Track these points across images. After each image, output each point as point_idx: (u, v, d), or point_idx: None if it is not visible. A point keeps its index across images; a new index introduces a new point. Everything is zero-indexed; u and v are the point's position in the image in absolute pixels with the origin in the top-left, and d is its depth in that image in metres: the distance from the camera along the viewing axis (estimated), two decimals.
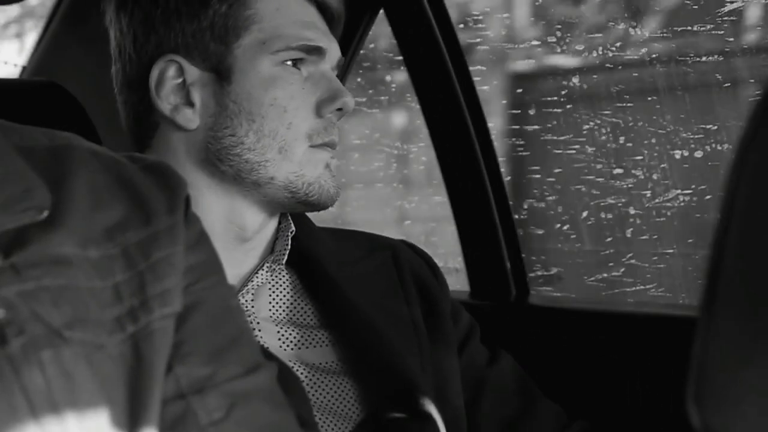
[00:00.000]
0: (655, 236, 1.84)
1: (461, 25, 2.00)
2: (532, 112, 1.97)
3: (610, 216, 1.88)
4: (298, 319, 1.07)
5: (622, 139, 1.82)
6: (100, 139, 1.17)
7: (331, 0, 1.09)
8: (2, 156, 0.73)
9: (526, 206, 2.00)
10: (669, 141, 1.75)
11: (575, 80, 1.84)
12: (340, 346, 1.06)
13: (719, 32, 1.67)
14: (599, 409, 1.27)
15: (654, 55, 1.75)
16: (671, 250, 1.87)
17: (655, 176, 1.79)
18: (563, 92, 1.85)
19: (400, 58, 1.54)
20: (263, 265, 1.07)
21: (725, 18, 1.66)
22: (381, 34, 1.99)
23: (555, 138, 1.86)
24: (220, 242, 1.01)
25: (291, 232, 1.09)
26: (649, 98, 1.79)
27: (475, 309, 1.24)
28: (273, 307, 1.07)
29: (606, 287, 1.82)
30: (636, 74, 1.81)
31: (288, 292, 1.08)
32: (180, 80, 1.04)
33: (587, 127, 1.82)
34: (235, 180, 1.04)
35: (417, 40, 1.49)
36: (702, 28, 1.69)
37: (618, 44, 1.82)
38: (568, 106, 1.85)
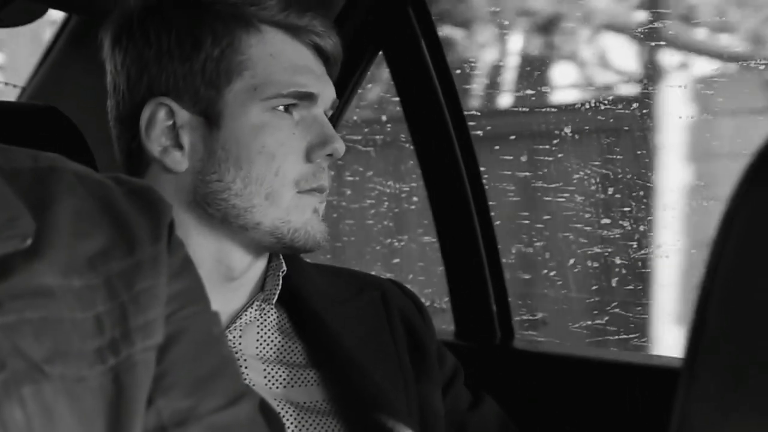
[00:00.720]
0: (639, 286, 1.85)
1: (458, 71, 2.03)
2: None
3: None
4: (285, 357, 1.07)
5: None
6: (96, 165, 1.17)
7: (327, 43, 1.08)
8: None
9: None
10: None
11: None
12: (327, 385, 1.05)
13: None
14: None
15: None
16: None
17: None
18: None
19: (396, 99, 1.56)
20: (252, 303, 1.07)
21: None
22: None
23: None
24: (208, 280, 0.99)
25: (282, 272, 1.08)
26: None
27: (459, 350, 1.24)
28: (260, 345, 1.06)
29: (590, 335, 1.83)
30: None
31: (276, 331, 1.08)
32: (170, 122, 1.03)
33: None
34: (222, 223, 1.03)
35: (413, 82, 1.51)
36: None
37: None
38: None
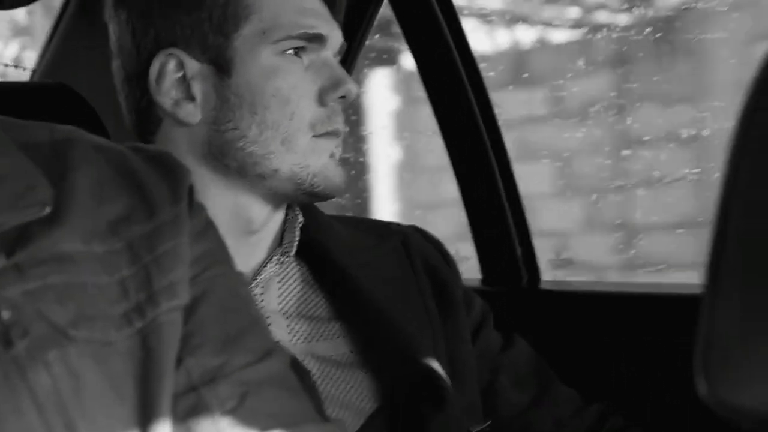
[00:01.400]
0: None
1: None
2: None
3: None
4: (308, 311, 1.06)
5: None
6: (111, 139, 1.17)
7: None
8: (4, 152, 0.72)
9: None
10: None
11: None
12: (352, 337, 1.05)
13: None
14: (613, 392, 1.28)
15: None
16: None
17: None
18: None
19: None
20: (272, 258, 1.06)
21: None
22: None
23: None
24: (227, 235, 1.01)
25: (299, 224, 1.07)
26: None
27: (487, 295, 1.24)
28: (283, 299, 1.06)
29: None
30: None
31: (298, 285, 1.07)
32: (180, 74, 1.02)
33: None
34: (239, 173, 1.03)
35: (422, 29, 1.50)
36: None
37: None
38: None
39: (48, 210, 0.70)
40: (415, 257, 1.13)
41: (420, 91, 1.54)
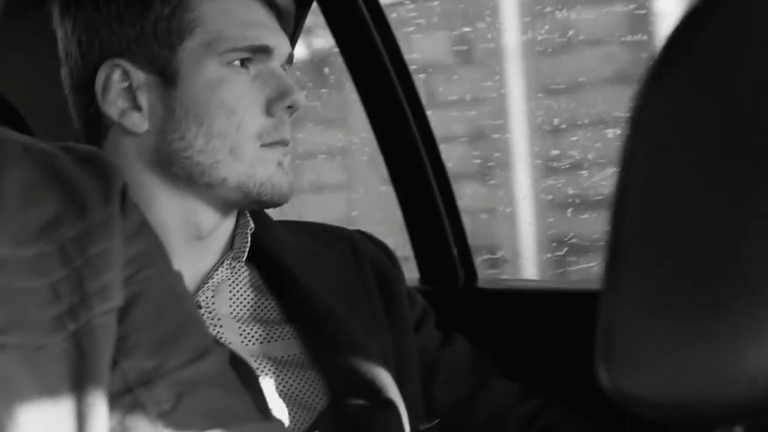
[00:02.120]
0: None
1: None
2: None
3: None
4: (260, 315, 1.07)
5: None
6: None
7: None
8: None
9: None
10: None
11: None
12: (303, 338, 1.06)
13: None
14: (553, 384, 1.29)
15: None
16: None
17: None
18: None
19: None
20: (223, 262, 1.07)
21: None
22: None
23: None
24: (177, 240, 1.01)
25: (250, 230, 1.08)
26: None
27: (425, 294, 1.25)
28: (234, 303, 1.06)
29: None
30: None
31: (248, 289, 1.08)
32: (126, 84, 1.03)
33: None
34: (187, 181, 1.03)
35: (350, 28, 1.50)
36: None
37: None
38: None
39: None
40: (364, 261, 1.15)
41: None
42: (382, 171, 1.55)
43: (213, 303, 1.05)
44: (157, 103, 1.02)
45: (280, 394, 1.03)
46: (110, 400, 0.70)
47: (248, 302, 1.07)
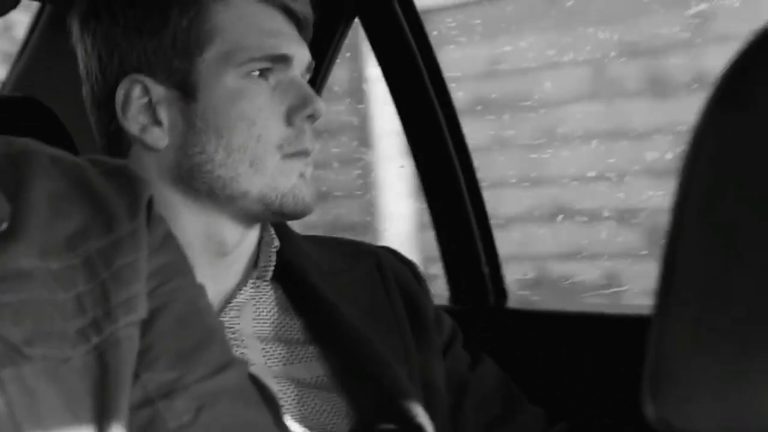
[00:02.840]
0: None
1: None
2: None
3: None
4: (284, 335, 1.06)
5: None
6: (78, 152, 1.17)
7: (297, 4, 1.06)
8: None
9: None
10: None
11: None
12: (328, 360, 1.05)
13: None
14: (580, 411, 1.28)
15: None
16: None
17: None
18: None
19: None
20: (247, 282, 1.06)
21: None
22: None
23: None
24: (200, 258, 1.00)
25: (275, 247, 1.07)
26: None
27: (455, 314, 1.24)
28: (258, 323, 1.05)
29: None
30: None
31: (273, 308, 1.07)
32: (146, 99, 1.02)
33: None
34: (209, 196, 1.02)
35: (391, 47, 1.50)
36: None
37: None
38: None
39: (5, 226, 0.69)
40: (389, 279, 1.13)
41: None
42: None
43: (238, 323, 1.04)
44: (177, 117, 1.02)
45: (301, 418, 1.01)
46: (131, 411, 0.70)
47: (272, 321, 1.06)
